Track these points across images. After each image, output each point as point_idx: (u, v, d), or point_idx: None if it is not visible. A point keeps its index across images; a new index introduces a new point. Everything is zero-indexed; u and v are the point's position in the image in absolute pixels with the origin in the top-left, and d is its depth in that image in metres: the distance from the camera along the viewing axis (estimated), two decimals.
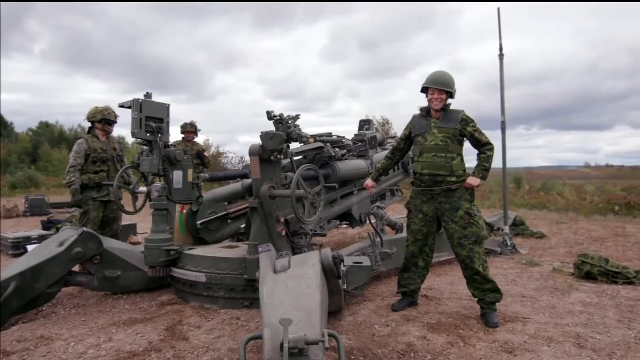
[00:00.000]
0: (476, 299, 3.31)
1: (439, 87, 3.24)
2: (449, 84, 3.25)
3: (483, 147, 3.28)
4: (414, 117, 3.46)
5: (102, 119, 4.65)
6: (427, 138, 3.31)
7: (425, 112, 3.39)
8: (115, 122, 4.81)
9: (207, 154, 6.58)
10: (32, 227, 8.08)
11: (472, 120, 3.28)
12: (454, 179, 3.24)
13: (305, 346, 1.82)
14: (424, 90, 3.35)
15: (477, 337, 2.87)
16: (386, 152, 5.78)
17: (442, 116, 3.31)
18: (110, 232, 4.70)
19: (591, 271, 4.30)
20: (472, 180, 3.25)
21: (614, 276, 4.20)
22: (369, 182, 3.75)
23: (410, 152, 3.73)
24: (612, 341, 2.80)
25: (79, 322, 3.22)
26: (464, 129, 3.26)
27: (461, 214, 3.22)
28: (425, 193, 3.35)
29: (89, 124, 4.76)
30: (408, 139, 3.49)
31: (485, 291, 3.23)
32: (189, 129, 6.37)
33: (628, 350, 2.67)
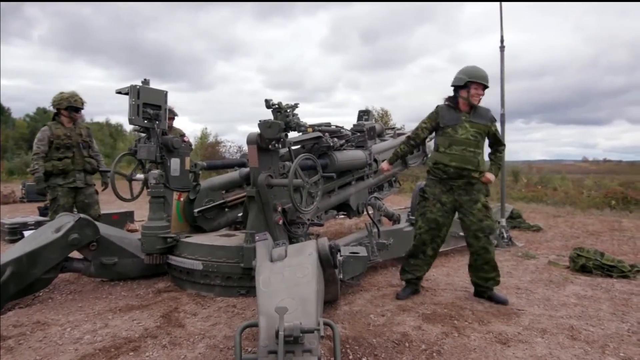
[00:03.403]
0: (475, 286, 3.46)
1: (485, 82, 3.30)
2: (488, 81, 3.34)
3: (500, 146, 3.48)
4: (442, 108, 3.45)
5: (69, 107, 4.58)
6: (457, 131, 3.33)
7: (455, 103, 3.40)
8: (82, 109, 4.72)
9: (186, 140, 6.51)
10: (29, 213, 8.06)
11: (496, 120, 3.43)
12: (477, 174, 3.32)
13: (301, 334, 1.83)
14: (459, 85, 3.33)
15: (471, 328, 2.89)
16: (385, 143, 5.79)
17: (471, 111, 3.36)
18: None
19: (586, 264, 4.32)
20: (491, 176, 3.40)
21: (609, 270, 4.22)
22: (385, 165, 3.80)
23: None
24: (605, 333, 2.82)
25: (75, 308, 3.23)
26: (490, 128, 3.38)
27: (479, 206, 3.31)
28: (445, 183, 3.39)
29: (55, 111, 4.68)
30: (434, 129, 3.52)
31: (488, 280, 3.39)
32: (167, 115, 6.28)
33: (621, 342, 2.69)
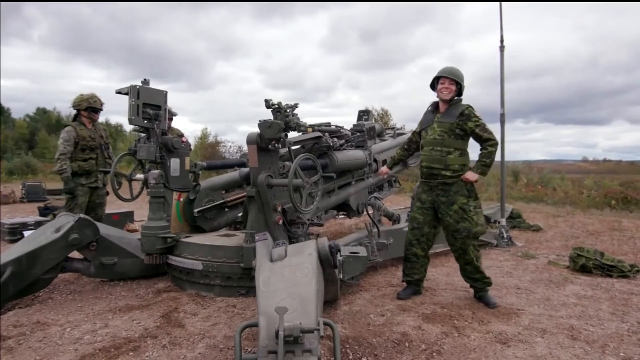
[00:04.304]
0: (470, 286, 3.53)
1: (449, 76, 3.32)
2: (459, 76, 3.35)
3: (484, 142, 3.27)
4: (425, 112, 3.59)
5: (88, 107, 4.65)
6: (428, 132, 3.44)
7: (434, 107, 3.50)
8: (101, 110, 4.81)
9: (184, 140, 6.47)
10: (29, 213, 8.07)
11: (475, 116, 3.26)
12: (448, 173, 3.31)
13: (301, 334, 1.83)
14: (433, 85, 3.46)
15: (471, 328, 2.89)
16: (385, 143, 5.79)
17: (445, 110, 3.38)
18: (95, 217, 4.72)
19: (586, 264, 4.32)
20: (470, 175, 3.28)
21: (609, 269, 4.22)
22: (384, 169, 3.94)
23: None
24: (605, 333, 2.82)
25: (75, 308, 3.23)
26: (465, 124, 3.27)
27: (456, 208, 3.31)
28: (425, 183, 3.48)
29: (75, 112, 4.75)
30: (419, 133, 3.61)
31: (475, 280, 3.44)
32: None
33: (621, 342, 2.69)
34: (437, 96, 3.42)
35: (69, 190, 4.58)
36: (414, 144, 3.73)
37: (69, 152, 4.53)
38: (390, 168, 3.97)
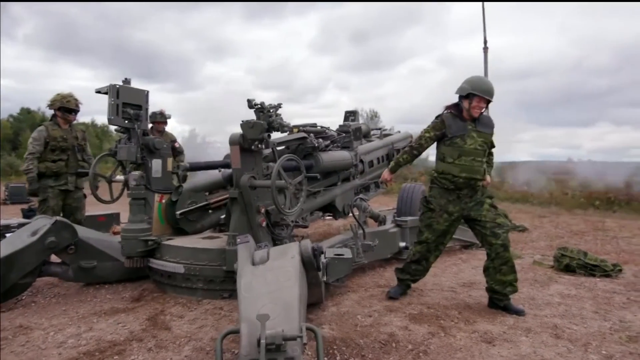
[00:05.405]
0: (491, 294, 3.29)
1: (488, 97, 3.22)
2: (493, 95, 3.26)
3: (493, 148, 3.47)
4: (447, 117, 3.31)
5: (61, 107, 4.50)
6: (466, 141, 3.24)
7: (459, 112, 3.30)
8: (77, 111, 4.64)
9: (177, 145, 6.39)
10: (12, 215, 7.90)
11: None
12: (480, 182, 3.33)
13: (283, 342, 1.78)
14: (463, 95, 3.26)
15: (457, 328, 2.88)
16: (372, 143, 5.77)
17: (477, 120, 3.30)
18: (74, 221, 4.55)
19: (570, 264, 4.36)
20: (489, 179, 3.43)
21: (592, 269, 4.26)
22: (386, 174, 3.64)
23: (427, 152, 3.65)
24: (588, 332, 2.83)
25: (59, 312, 3.16)
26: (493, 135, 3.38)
27: (487, 207, 3.29)
28: (451, 193, 3.32)
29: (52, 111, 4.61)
30: (439, 139, 3.36)
31: (506, 285, 3.22)
32: (159, 119, 6.00)
33: (603, 340, 2.70)
34: (467, 109, 3.25)
35: (32, 191, 4.43)
36: (423, 149, 3.50)
37: (38, 152, 4.37)
38: (393, 172, 3.64)
